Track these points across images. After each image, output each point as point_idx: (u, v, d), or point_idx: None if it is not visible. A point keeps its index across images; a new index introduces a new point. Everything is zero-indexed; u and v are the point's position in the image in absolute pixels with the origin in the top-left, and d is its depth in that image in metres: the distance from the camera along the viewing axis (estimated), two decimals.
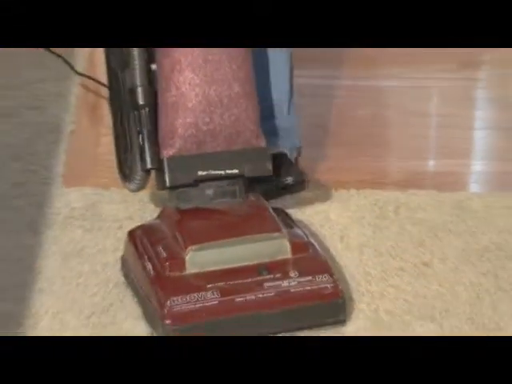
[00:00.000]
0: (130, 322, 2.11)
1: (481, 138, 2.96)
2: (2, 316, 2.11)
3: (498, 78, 3.23)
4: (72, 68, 3.02)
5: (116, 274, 2.25)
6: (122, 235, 2.33)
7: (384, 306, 2.20)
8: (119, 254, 2.29)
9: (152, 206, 2.44)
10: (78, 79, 3.06)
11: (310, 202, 2.48)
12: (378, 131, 2.88)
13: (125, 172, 2.24)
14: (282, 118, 2.48)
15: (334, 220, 2.45)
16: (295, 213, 2.40)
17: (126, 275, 2.15)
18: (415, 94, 3.09)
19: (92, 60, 3.11)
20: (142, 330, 2.09)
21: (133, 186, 2.20)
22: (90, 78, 2.98)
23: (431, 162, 2.86)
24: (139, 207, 2.45)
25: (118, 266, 2.27)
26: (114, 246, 2.32)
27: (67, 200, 2.47)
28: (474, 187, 2.75)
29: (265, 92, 2.35)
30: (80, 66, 3.10)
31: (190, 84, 2.10)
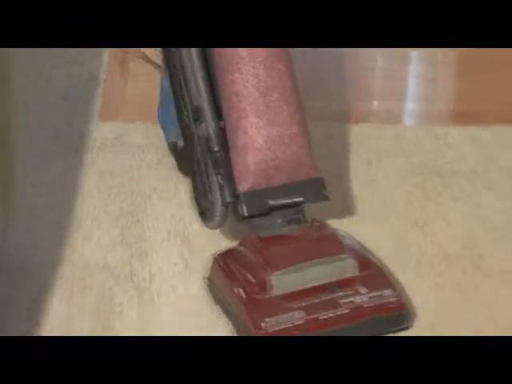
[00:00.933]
0: (151, 222, 2.18)
1: (413, 85, 2.95)
2: (52, 224, 2.19)
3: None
4: None
5: (139, 187, 2.31)
6: (144, 157, 2.40)
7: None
8: (143, 171, 2.36)
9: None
10: None
11: None
12: (336, 81, 2.84)
13: (206, 214, 2.13)
14: None
15: None
16: None
17: (213, 293, 2.01)
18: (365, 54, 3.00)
19: None
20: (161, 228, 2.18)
21: (213, 223, 2.10)
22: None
23: (375, 103, 2.85)
24: (157, 137, 2.42)
25: (142, 180, 2.31)
26: (138, 165, 2.37)
27: (102, 131, 2.51)
28: (407, 121, 2.78)
29: None
30: None
31: (256, 128, 2.03)
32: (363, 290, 1.89)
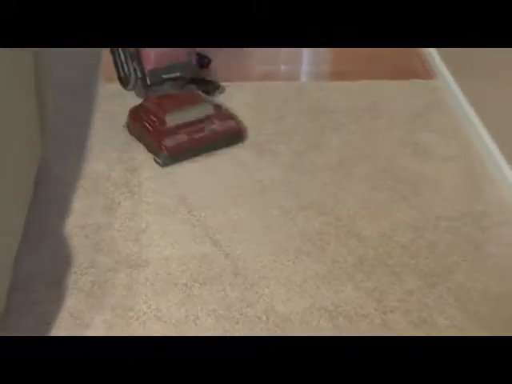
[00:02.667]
0: (140, 148, 2.18)
1: (305, 54, 2.83)
2: (76, 147, 2.18)
3: None
4: None
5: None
6: (134, 103, 2.32)
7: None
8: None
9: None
10: None
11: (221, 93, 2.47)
12: (256, 56, 2.77)
13: (124, 83, 2.37)
14: None
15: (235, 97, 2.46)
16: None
17: (131, 131, 2.25)
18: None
19: None
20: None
21: (129, 87, 2.36)
22: None
23: (282, 67, 2.80)
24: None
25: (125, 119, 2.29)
26: (130, 106, 2.31)
27: (106, 89, 2.48)
28: (303, 79, 2.74)
29: None
30: None
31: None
32: (216, 122, 2.22)
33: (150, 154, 2.17)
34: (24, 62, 1.81)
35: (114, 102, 2.42)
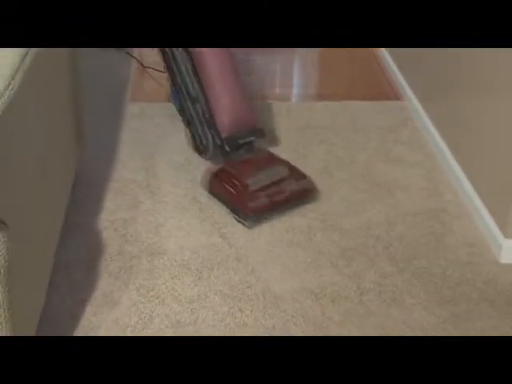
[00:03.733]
0: (160, 157, 2.15)
1: (295, 79, 2.85)
2: (105, 155, 2.17)
3: None
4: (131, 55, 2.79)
5: (153, 138, 2.25)
6: (155, 122, 2.34)
7: None
8: (154, 129, 2.30)
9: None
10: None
11: None
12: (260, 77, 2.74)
13: (201, 152, 2.13)
14: None
15: None
16: None
17: (211, 191, 1.99)
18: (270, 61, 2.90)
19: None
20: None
21: (207, 156, 2.12)
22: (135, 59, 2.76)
23: (277, 90, 2.74)
24: (162, 111, 2.38)
25: (154, 134, 2.26)
26: (151, 126, 2.32)
27: (130, 107, 2.46)
28: (293, 100, 2.68)
29: None
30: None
31: (225, 100, 2.06)
32: (293, 182, 1.97)
33: (172, 159, 2.14)
34: (64, 83, 1.81)
35: (138, 119, 2.40)
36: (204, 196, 2.00)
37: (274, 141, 2.28)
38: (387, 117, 2.44)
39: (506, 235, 1.74)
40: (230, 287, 1.67)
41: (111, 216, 1.90)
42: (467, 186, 1.97)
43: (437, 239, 1.84)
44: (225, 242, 1.82)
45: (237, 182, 1.93)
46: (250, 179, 1.93)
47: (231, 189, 1.93)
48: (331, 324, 1.56)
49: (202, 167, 2.11)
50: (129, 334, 1.52)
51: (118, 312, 1.58)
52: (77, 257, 1.74)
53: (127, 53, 2.80)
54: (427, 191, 2.05)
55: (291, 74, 2.89)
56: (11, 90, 1.18)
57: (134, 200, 1.97)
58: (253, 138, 2.09)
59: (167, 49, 2.12)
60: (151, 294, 1.64)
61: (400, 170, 2.15)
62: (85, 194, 1.98)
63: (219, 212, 1.93)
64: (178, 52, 2.08)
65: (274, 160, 2.03)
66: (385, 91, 2.63)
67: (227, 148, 2.04)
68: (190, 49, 2.05)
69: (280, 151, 2.21)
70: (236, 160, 2.03)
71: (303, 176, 2.01)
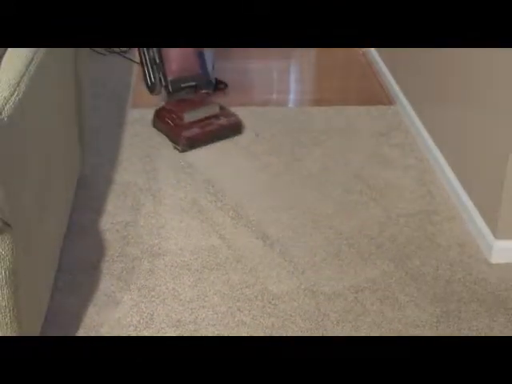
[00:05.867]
0: (159, 160, 2.17)
1: (292, 84, 2.88)
2: (108, 159, 2.16)
3: None
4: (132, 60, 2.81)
5: (152, 142, 2.28)
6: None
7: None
8: (154, 133, 2.31)
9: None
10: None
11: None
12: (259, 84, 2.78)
13: (151, 89, 2.34)
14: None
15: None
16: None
17: (156, 126, 2.32)
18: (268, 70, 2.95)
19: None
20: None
21: (155, 92, 2.34)
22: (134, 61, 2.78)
23: (274, 96, 2.75)
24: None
25: (154, 139, 2.28)
26: (151, 131, 2.32)
27: (132, 113, 2.46)
28: (290, 105, 2.68)
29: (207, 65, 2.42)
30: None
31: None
32: (222, 118, 2.31)
33: (170, 163, 2.17)
34: (68, 89, 1.81)
35: (139, 124, 2.40)
36: (203, 198, 2.00)
37: (271, 143, 2.30)
38: (380, 121, 2.44)
39: (496, 236, 1.74)
40: (229, 287, 1.66)
41: (113, 218, 1.89)
42: (458, 188, 1.97)
43: (428, 240, 1.84)
44: (224, 243, 1.81)
45: (174, 116, 2.26)
46: (186, 113, 2.25)
47: (169, 121, 2.27)
48: (328, 322, 1.56)
49: (201, 170, 2.13)
50: (131, 333, 1.51)
51: (120, 312, 1.58)
52: (80, 258, 1.74)
53: (133, 60, 2.80)
54: (419, 193, 2.05)
55: (287, 80, 2.89)
56: (16, 96, 1.18)
57: (136, 202, 1.97)
58: (193, 83, 2.32)
59: None
60: (152, 294, 1.64)
61: (393, 173, 2.15)
62: (87, 196, 1.97)
63: (218, 214, 1.93)
64: None
65: (208, 100, 2.35)
66: (378, 96, 2.62)
67: (170, 88, 2.30)
68: None
69: (276, 154, 2.24)
70: (177, 99, 2.32)
71: (232, 114, 2.33)
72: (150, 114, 2.42)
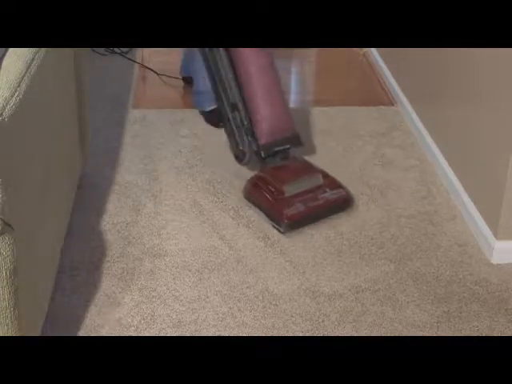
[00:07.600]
0: (161, 162, 2.15)
1: (296, 85, 2.85)
2: (109, 160, 2.16)
3: None
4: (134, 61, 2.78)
5: (154, 143, 2.24)
6: (155, 127, 2.35)
7: None
8: (155, 134, 2.29)
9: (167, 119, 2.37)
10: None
11: None
12: None
13: (239, 158, 2.06)
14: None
15: None
16: None
17: (248, 198, 1.96)
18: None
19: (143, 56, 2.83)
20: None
21: (244, 162, 2.05)
22: (143, 66, 2.76)
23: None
24: (162, 117, 2.39)
25: (155, 139, 2.24)
26: (152, 131, 2.31)
27: (133, 114, 2.45)
28: (292, 105, 2.54)
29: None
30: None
31: (264, 110, 1.99)
32: (327, 190, 1.93)
33: (170, 162, 2.14)
34: (69, 89, 1.80)
35: (140, 125, 2.39)
36: (204, 199, 1.99)
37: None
38: (382, 121, 2.43)
39: (497, 237, 1.74)
40: (230, 288, 1.66)
41: (114, 219, 1.89)
42: (459, 188, 1.96)
43: (429, 240, 1.83)
44: (224, 243, 1.81)
45: (273, 189, 1.90)
46: (286, 186, 1.90)
47: (268, 195, 1.90)
48: (328, 322, 1.56)
49: (202, 171, 2.11)
50: (132, 333, 1.51)
51: (121, 312, 1.57)
52: (81, 259, 1.73)
53: (134, 60, 2.80)
54: (420, 194, 2.04)
55: (289, 81, 2.87)
56: (17, 96, 1.18)
57: (137, 203, 1.96)
58: (288, 146, 2.03)
59: (208, 53, 2.04)
60: (153, 294, 1.63)
61: (394, 173, 2.14)
62: (88, 197, 1.97)
63: (219, 214, 1.92)
64: (219, 56, 2.01)
65: (310, 168, 2.00)
66: (379, 97, 2.61)
67: (263, 154, 2.00)
68: (232, 54, 1.99)
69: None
70: (272, 166, 1.99)
71: (338, 185, 1.96)
72: (151, 114, 2.42)
